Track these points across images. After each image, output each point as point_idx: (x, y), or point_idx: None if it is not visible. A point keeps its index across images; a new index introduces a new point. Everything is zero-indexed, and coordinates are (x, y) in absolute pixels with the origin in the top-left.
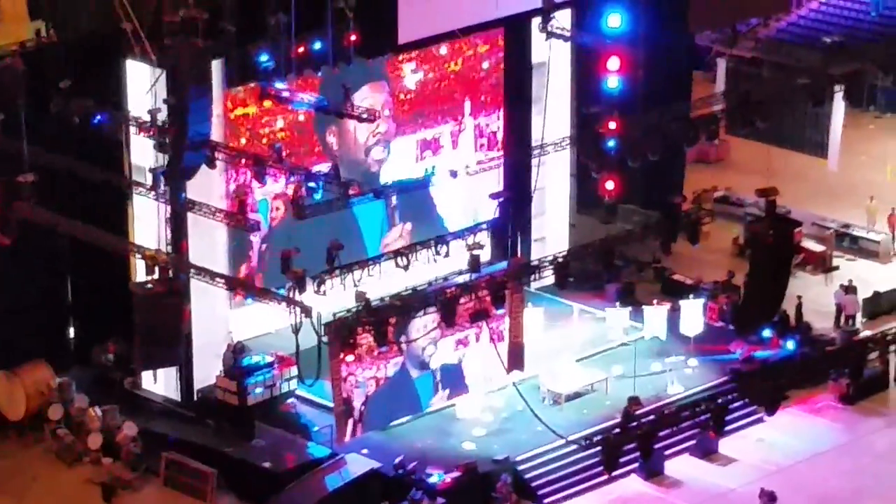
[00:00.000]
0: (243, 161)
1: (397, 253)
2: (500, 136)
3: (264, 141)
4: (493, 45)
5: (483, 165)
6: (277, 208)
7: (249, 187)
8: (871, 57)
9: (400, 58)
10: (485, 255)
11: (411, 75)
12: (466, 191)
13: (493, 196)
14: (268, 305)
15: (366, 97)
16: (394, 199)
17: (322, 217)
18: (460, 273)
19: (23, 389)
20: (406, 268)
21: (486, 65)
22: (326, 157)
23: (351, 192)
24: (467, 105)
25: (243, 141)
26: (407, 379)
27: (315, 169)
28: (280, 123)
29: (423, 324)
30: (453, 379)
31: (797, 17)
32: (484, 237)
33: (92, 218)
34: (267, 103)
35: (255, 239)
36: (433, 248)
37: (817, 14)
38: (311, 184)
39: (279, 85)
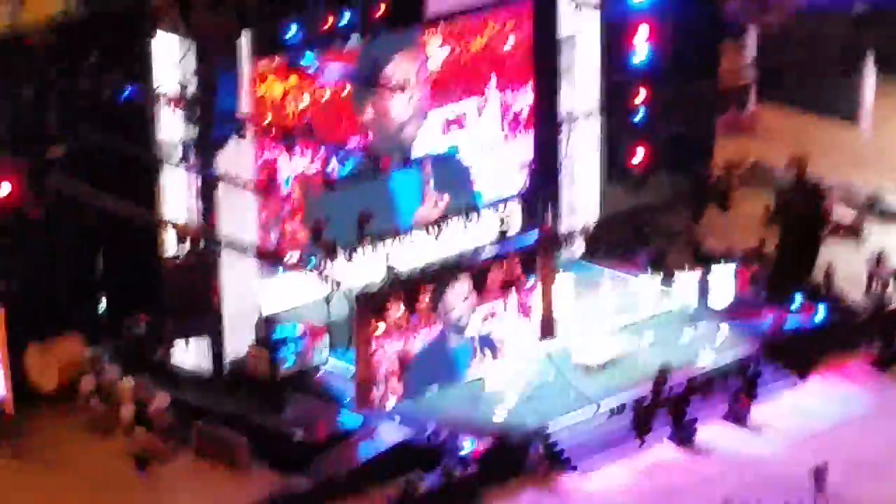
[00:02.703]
0: (273, 132)
1: (428, 224)
2: (524, 114)
3: (290, 117)
4: (520, 20)
5: (511, 137)
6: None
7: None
8: None
9: (425, 34)
10: (515, 225)
11: (438, 51)
12: (496, 163)
13: (524, 166)
14: (299, 277)
15: (399, 66)
16: (428, 170)
17: (357, 190)
18: (491, 243)
19: (55, 361)
20: (437, 237)
21: (511, 40)
22: (356, 131)
23: (381, 164)
24: (493, 80)
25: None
26: (445, 347)
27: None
28: (306, 101)
29: (459, 292)
30: (490, 346)
31: None
32: (514, 207)
33: (122, 191)
34: (292, 80)
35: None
36: (464, 217)
37: None
38: (339, 158)
39: (307, 58)
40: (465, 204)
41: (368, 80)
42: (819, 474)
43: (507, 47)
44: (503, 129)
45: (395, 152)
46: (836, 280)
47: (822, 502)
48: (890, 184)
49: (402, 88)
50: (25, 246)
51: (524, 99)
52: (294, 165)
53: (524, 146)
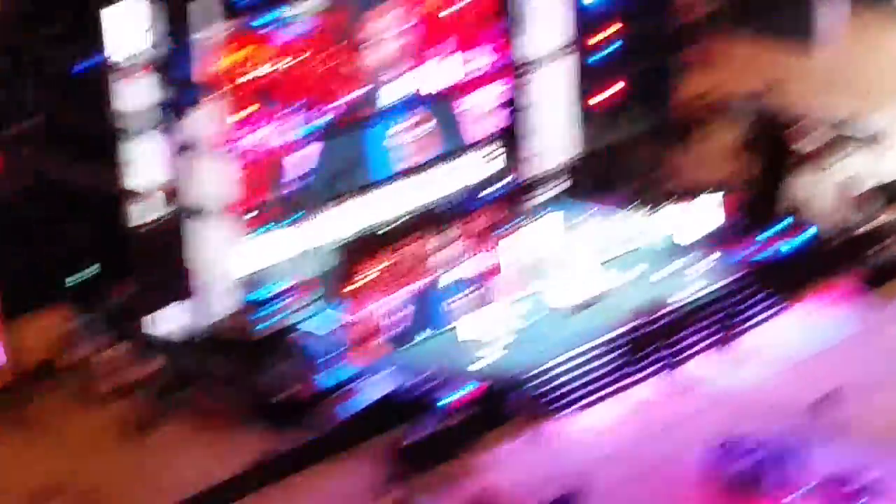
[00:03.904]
0: (241, 95)
1: (407, 172)
2: (486, 69)
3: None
4: None
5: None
6: None
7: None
8: None
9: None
10: (493, 169)
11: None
12: (468, 110)
13: (498, 109)
14: (275, 236)
15: (377, 18)
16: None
17: (334, 144)
18: (467, 190)
19: (37, 337)
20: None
21: (444, 11)
22: (332, 87)
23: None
24: (450, 42)
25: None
26: (430, 296)
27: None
28: (272, 61)
29: (436, 244)
30: (476, 291)
31: None
32: (487, 153)
33: (90, 163)
34: (245, 50)
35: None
36: (444, 162)
37: None
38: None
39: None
40: (447, 149)
41: (345, 35)
42: (824, 400)
43: (461, 7)
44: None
45: (371, 104)
46: (808, 207)
47: (827, 428)
48: (856, 108)
49: (364, 46)
50: (8, 222)
51: (483, 58)
52: (265, 125)
53: (493, 93)
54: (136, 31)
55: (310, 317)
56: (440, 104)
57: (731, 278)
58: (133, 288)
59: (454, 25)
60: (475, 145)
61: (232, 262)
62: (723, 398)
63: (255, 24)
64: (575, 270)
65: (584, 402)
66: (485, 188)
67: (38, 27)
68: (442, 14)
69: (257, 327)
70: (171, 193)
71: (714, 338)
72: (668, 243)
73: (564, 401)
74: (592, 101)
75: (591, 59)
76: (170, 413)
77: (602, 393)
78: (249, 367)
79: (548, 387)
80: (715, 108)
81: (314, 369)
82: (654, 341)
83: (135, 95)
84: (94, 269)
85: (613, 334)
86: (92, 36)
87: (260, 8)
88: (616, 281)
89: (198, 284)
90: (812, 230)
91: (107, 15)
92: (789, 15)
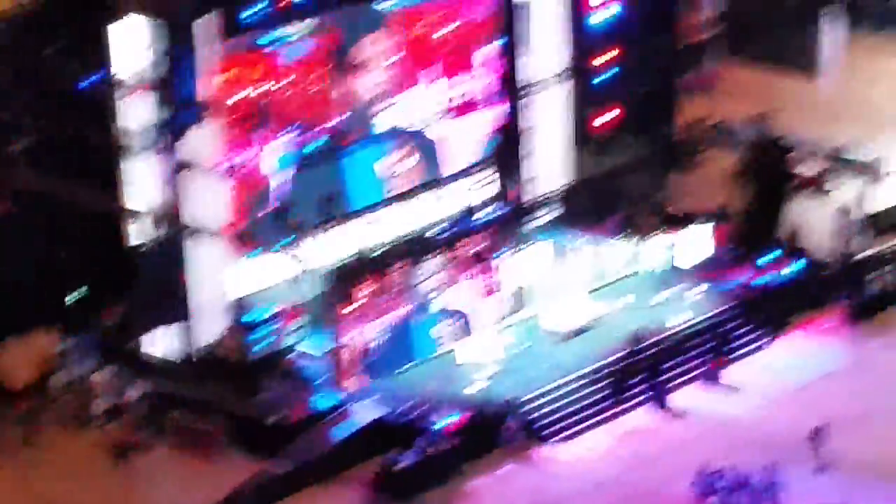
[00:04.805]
0: (236, 116)
1: (394, 199)
2: (475, 96)
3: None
4: (444, 14)
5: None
6: None
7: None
8: None
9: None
10: (483, 196)
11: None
12: (461, 134)
13: (488, 137)
14: (266, 260)
15: (366, 47)
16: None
17: (322, 169)
18: (458, 216)
19: (26, 358)
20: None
21: (450, 27)
22: (321, 111)
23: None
24: (444, 65)
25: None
26: (417, 322)
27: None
28: (268, 83)
29: (429, 267)
30: (462, 319)
31: None
32: (481, 179)
33: (86, 182)
34: (254, 63)
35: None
36: (431, 191)
37: None
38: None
39: (266, 38)
40: (433, 177)
41: (337, 59)
42: (817, 434)
43: (444, 35)
44: (448, 114)
45: (361, 129)
46: (804, 235)
47: (819, 461)
48: (855, 136)
49: (362, 70)
50: None
51: (478, 81)
52: (259, 146)
53: (485, 120)
54: (139, 49)
55: (301, 341)
56: (432, 128)
57: (722, 307)
58: (126, 309)
59: (448, 49)
60: (468, 170)
61: (226, 284)
62: (711, 428)
63: (252, 44)
64: (566, 297)
65: (573, 429)
66: (478, 213)
67: (41, 42)
68: (435, 37)
69: (249, 350)
70: (167, 214)
71: (704, 367)
72: (661, 271)
73: (554, 428)
74: (590, 126)
75: (590, 83)
76: (159, 436)
77: (592, 421)
78: (240, 390)
79: (537, 414)
80: (713, 134)
81: (304, 393)
82: (644, 370)
83: (135, 113)
84: (85, 289)
85: (604, 362)
86: (95, 52)
87: (258, 28)
88: (607, 308)
89: (191, 306)
90: (805, 259)
91: (111, 32)
92: (789, 41)
